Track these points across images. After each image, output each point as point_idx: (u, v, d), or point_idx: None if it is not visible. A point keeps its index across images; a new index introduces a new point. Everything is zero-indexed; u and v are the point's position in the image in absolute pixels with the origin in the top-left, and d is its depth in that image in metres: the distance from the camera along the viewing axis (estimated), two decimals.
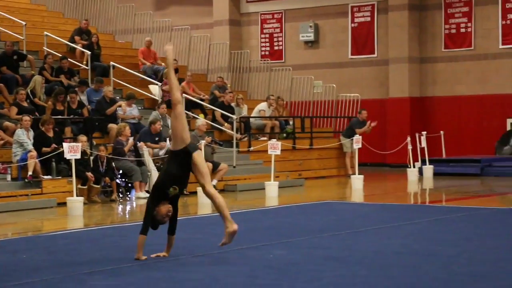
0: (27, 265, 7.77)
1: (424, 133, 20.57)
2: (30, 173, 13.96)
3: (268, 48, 25.79)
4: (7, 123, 14.96)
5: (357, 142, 17.49)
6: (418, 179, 19.30)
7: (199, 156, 7.84)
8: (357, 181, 17.00)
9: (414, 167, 19.70)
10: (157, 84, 19.36)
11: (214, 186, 15.96)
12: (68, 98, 16.70)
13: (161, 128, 16.56)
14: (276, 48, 25.68)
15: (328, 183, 19.22)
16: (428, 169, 19.98)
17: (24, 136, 14.35)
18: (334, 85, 23.51)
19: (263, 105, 20.65)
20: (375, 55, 24.01)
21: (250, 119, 19.98)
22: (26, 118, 14.54)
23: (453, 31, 23.10)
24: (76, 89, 17.42)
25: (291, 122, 20.91)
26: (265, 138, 19.63)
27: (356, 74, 24.20)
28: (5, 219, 12.44)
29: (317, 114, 23.54)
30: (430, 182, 18.73)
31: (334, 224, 10.80)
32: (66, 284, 6.72)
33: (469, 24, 22.86)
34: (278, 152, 15.89)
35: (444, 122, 22.91)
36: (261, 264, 7.55)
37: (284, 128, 20.67)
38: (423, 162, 20.29)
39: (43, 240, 9.87)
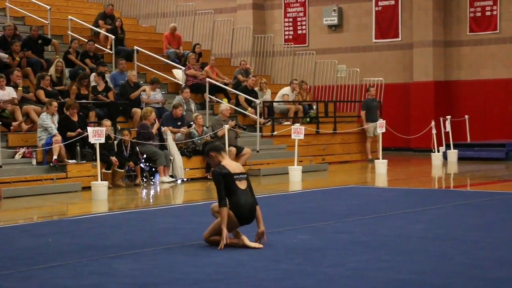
0: (52, 248, 7.82)
1: (448, 117, 20.43)
2: (55, 157, 14.06)
3: (291, 32, 25.68)
4: (28, 107, 14.98)
5: (380, 126, 17.39)
6: (442, 163, 19.19)
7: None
8: (381, 165, 16.93)
9: (438, 151, 19.57)
10: (180, 69, 19.35)
11: None
12: (94, 81, 16.76)
13: (183, 113, 16.56)
14: (299, 32, 25.56)
15: (352, 167, 19.16)
16: (453, 154, 19.84)
17: (49, 121, 14.42)
18: (358, 69, 23.38)
19: (286, 90, 20.59)
20: (399, 38, 23.82)
21: (274, 103, 19.93)
22: (55, 103, 14.61)
23: (478, 14, 22.84)
24: (105, 69, 17.47)
25: (314, 107, 20.85)
26: (288, 123, 19.58)
27: (380, 58, 24.05)
28: (30, 202, 12.54)
29: (341, 98, 23.43)
30: (455, 167, 18.61)
31: (358, 208, 10.77)
32: (91, 267, 6.76)
33: (494, 7, 22.60)
34: (302, 136, 15.85)
35: (468, 106, 22.72)
36: (285, 248, 7.53)
37: (307, 113, 20.61)
38: (448, 147, 20.15)
39: (68, 224, 9.94)
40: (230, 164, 7.72)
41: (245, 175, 7.73)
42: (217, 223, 7.62)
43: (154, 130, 15.44)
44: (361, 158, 20.75)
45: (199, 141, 16.17)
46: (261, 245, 7.50)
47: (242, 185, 7.64)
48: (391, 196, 12.53)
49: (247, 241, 7.53)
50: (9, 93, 14.97)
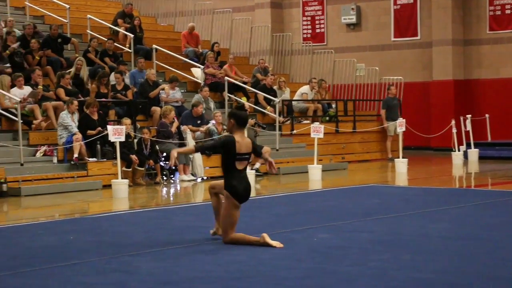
0: (74, 246, 7.86)
1: (469, 116, 20.32)
2: (76, 155, 14.13)
3: (309, 31, 25.63)
4: (47, 104, 15.05)
5: (400, 125, 17.33)
6: (463, 162, 19.09)
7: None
8: (401, 164, 16.87)
9: (459, 150, 19.48)
10: (199, 67, 19.38)
11: (257, 169, 16.02)
12: (114, 79, 16.84)
13: (203, 111, 16.59)
14: (317, 30, 25.51)
15: (372, 166, 19.11)
16: (473, 153, 19.74)
17: (69, 119, 14.50)
18: (377, 68, 23.31)
19: (305, 88, 20.57)
20: (418, 37, 23.72)
21: (293, 102, 19.92)
22: (75, 102, 14.71)
23: (498, 12, 22.70)
24: (124, 67, 17.55)
25: (333, 105, 20.81)
26: (307, 121, 19.56)
27: (399, 56, 23.96)
28: (52, 200, 12.62)
29: (360, 97, 23.37)
30: (475, 166, 18.51)
31: (378, 207, 10.74)
32: (112, 265, 6.79)
33: None
34: (321, 135, 15.83)
35: (489, 105, 22.58)
36: (305, 247, 7.53)
37: (326, 111, 20.58)
38: (468, 146, 20.05)
39: (89, 221, 9.99)
40: (241, 142, 7.68)
41: (249, 155, 7.77)
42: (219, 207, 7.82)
43: (174, 129, 15.48)
44: (380, 157, 20.70)
45: (212, 134, 16.12)
46: (281, 244, 7.49)
47: (240, 165, 7.70)
48: (411, 195, 12.48)
49: (268, 239, 7.54)
50: (28, 91, 15.05)
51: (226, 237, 7.70)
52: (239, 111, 7.82)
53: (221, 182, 7.90)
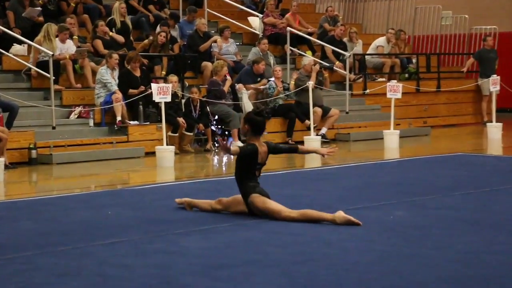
0: (112, 222, 7.95)
1: None
2: (119, 118, 14.23)
3: None
4: (85, 60, 15.16)
5: (494, 83, 17.03)
6: None
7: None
8: (494, 129, 16.64)
9: None
10: (257, 16, 19.31)
11: (324, 135, 15.96)
12: (164, 36, 16.86)
13: (264, 68, 16.55)
14: None
15: (459, 132, 18.89)
16: None
17: (108, 76, 14.60)
18: (466, 16, 22.92)
19: (381, 40, 20.36)
20: None
21: (366, 56, 19.75)
22: (115, 55, 14.79)
23: None
24: (172, 22, 17.58)
25: (414, 60, 20.58)
26: (383, 79, 19.38)
27: (493, 2, 23.47)
28: (87, 169, 12.78)
29: (446, 50, 23.07)
30: None
31: (466, 180, 10.61)
32: (155, 245, 6.84)
33: None
34: (399, 95, 15.69)
35: None
36: (379, 226, 7.48)
37: (406, 67, 20.37)
38: None
39: (129, 194, 10.09)
40: (261, 151, 7.98)
41: (264, 163, 8.17)
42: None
43: (226, 88, 15.44)
44: (470, 121, 20.44)
45: (272, 95, 16.03)
46: (359, 222, 7.44)
47: (257, 173, 8.06)
48: (506, 166, 12.31)
49: (346, 215, 7.51)
50: (69, 47, 15.19)
51: (287, 216, 7.70)
52: (257, 116, 8.12)
53: (231, 198, 8.19)
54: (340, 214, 7.55)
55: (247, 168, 7.95)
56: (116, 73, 14.81)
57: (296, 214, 7.71)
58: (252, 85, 16.22)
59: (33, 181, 12.35)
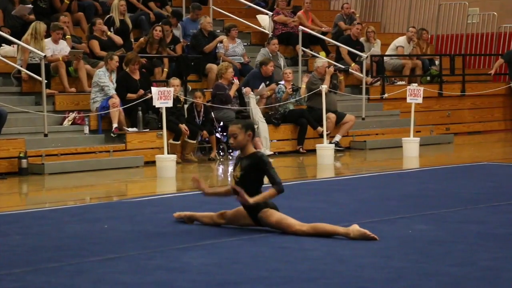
0: (109, 237, 7.99)
1: None
2: (115, 125, 14.28)
3: None
4: (80, 62, 15.21)
5: None
6: None
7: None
8: None
9: None
10: (267, 14, 19.37)
11: (338, 143, 15.99)
12: (160, 31, 16.92)
13: (273, 70, 16.59)
14: None
15: (485, 139, 18.89)
16: None
17: (107, 78, 14.65)
18: (495, 13, 22.94)
19: (401, 40, 20.40)
20: None
21: (384, 58, 19.78)
22: (116, 58, 14.83)
23: None
24: (174, 20, 17.65)
25: (437, 62, 20.60)
26: (403, 82, 19.41)
27: None
28: (82, 180, 12.83)
29: (472, 51, 23.08)
30: None
31: (492, 192, 10.63)
32: (155, 261, 6.88)
33: None
34: (420, 100, 15.70)
35: None
36: (398, 241, 7.50)
37: (428, 70, 20.39)
38: None
39: (127, 206, 10.13)
40: None
41: None
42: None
43: (232, 92, 15.47)
44: (498, 127, 20.42)
45: (280, 99, 16.07)
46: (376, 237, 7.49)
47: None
48: None
49: (361, 229, 7.57)
50: (62, 48, 15.25)
51: (298, 229, 7.74)
52: (250, 122, 8.28)
53: (235, 211, 8.20)
54: (355, 228, 7.59)
55: (259, 183, 7.97)
56: (114, 76, 14.86)
57: (307, 227, 7.74)
58: (258, 90, 16.22)
59: (23, 193, 12.41)
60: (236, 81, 15.72)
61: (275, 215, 7.86)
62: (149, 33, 16.41)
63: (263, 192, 7.85)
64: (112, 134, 14.37)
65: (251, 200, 7.73)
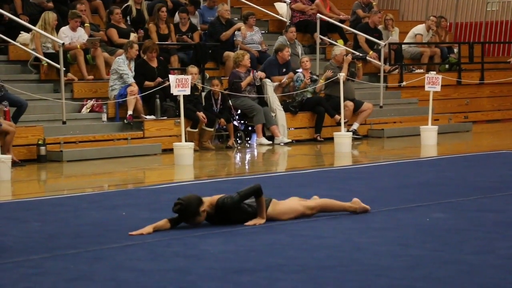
0: (127, 224, 8.00)
1: None
2: (130, 112, 14.32)
3: None
4: (98, 50, 15.23)
5: None
6: None
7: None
8: None
9: None
10: (285, 2, 19.33)
11: (355, 131, 15.97)
12: (177, 19, 16.93)
13: (289, 56, 16.57)
14: None
15: (504, 128, 18.82)
16: None
17: (126, 66, 14.65)
18: None
19: (419, 28, 20.31)
20: None
21: (403, 45, 19.71)
22: (137, 46, 14.85)
23: None
24: (191, 8, 17.65)
25: (455, 50, 20.51)
26: (421, 70, 19.34)
27: None
28: (100, 167, 12.87)
29: (491, 38, 22.96)
30: None
31: (510, 181, 10.60)
32: (173, 248, 6.89)
33: None
34: (438, 88, 15.66)
35: None
36: (415, 229, 7.50)
37: (446, 58, 20.30)
38: None
39: (145, 194, 10.16)
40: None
41: None
42: None
43: (245, 84, 15.38)
44: None
45: (298, 87, 16.03)
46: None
47: None
48: None
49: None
50: (80, 35, 15.28)
51: (307, 210, 7.89)
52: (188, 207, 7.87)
53: None
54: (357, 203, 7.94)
55: (240, 210, 7.76)
56: (133, 64, 14.87)
57: (314, 204, 7.94)
58: (277, 77, 16.19)
59: (42, 180, 12.46)
60: (251, 74, 15.52)
61: (282, 213, 7.91)
62: (154, 14, 16.35)
63: (256, 202, 7.74)
64: (125, 121, 14.38)
65: (263, 219, 7.73)
